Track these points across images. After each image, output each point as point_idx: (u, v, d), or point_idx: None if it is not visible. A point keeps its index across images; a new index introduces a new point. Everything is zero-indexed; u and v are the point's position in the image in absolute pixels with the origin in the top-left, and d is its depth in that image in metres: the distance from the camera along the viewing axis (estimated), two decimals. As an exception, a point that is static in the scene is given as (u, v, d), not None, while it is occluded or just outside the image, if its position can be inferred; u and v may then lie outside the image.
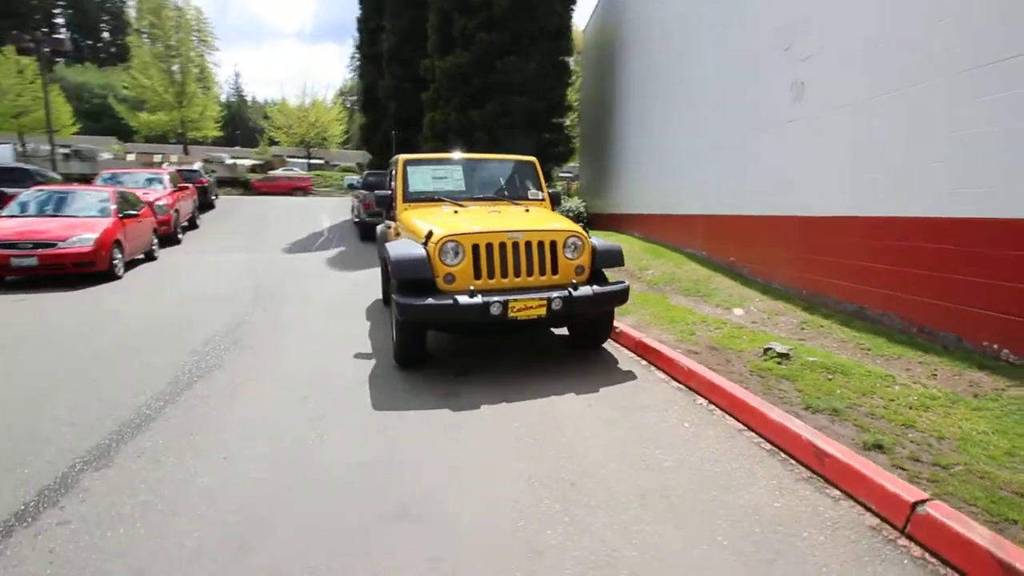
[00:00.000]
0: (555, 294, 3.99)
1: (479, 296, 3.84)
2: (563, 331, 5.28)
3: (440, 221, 4.40)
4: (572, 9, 13.03)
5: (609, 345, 4.97)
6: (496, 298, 3.85)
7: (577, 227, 4.43)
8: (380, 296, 7.05)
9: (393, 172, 5.73)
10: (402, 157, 5.41)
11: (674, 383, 4.02)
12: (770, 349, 4.33)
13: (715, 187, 7.96)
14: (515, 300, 3.89)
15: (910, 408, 3.29)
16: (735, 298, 6.22)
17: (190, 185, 15.10)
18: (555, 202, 5.65)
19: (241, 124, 61.08)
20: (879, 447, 2.85)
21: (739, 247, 7.26)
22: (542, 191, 5.62)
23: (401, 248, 4.14)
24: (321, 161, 44.34)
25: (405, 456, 2.91)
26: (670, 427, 3.27)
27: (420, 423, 3.33)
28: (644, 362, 4.50)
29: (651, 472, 2.73)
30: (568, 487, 2.58)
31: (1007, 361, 3.71)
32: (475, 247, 4.05)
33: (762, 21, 6.71)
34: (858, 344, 4.47)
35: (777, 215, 6.37)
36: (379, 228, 6.73)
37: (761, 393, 3.54)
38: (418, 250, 4.05)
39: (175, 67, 30.17)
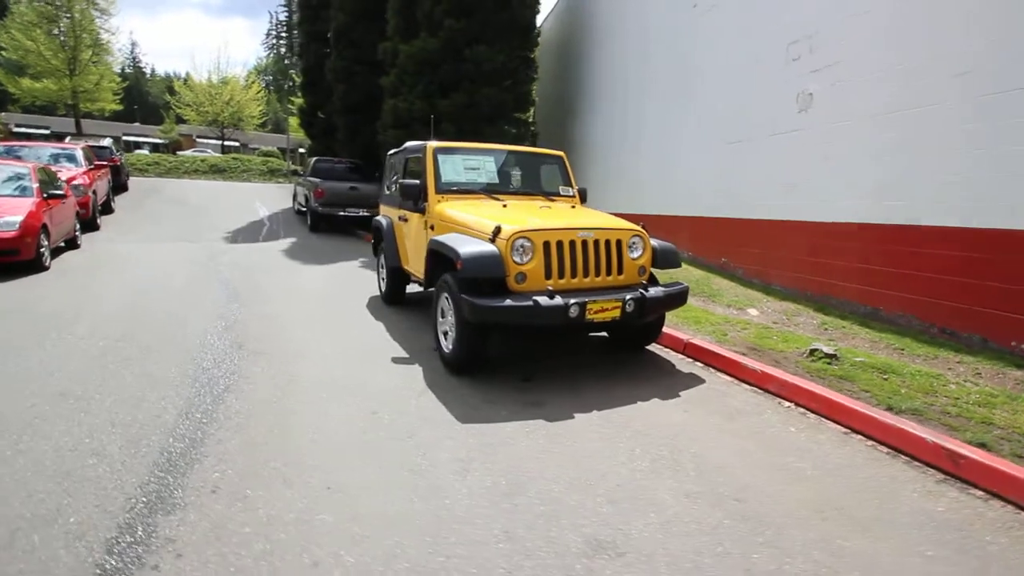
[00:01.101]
0: (628, 295, 3.83)
1: (558, 297, 3.60)
2: (600, 332, 5.13)
3: (498, 216, 4.09)
4: (539, 4, 12.89)
5: (651, 347, 4.89)
6: (574, 299, 3.63)
7: (636, 226, 4.29)
8: (377, 293, 6.52)
9: (415, 160, 5.29)
10: (431, 145, 4.99)
11: (744, 385, 4.00)
12: (816, 350, 4.44)
13: (704, 190, 8.16)
14: (593, 302, 3.69)
15: (979, 406, 3.48)
16: (743, 299, 6.40)
17: (105, 164, 13.27)
18: (583, 199, 5.49)
19: (140, 99, 55.04)
20: (983, 445, 2.98)
21: (732, 249, 7.50)
22: (572, 187, 5.44)
23: (467, 244, 3.78)
24: (236, 144, 40.99)
25: (537, 477, 2.62)
26: (779, 432, 3.22)
27: (523, 438, 3.03)
28: (700, 364, 4.46)
29: (802, 482, 2.65)
30: (736, 504, 2.43)
31: (1038, 360, 4.05)
32: (546, 244, 3.80)
33: (767, 33, 6.92)
34: (889, 344, 4.71)
35: (780, 219, 6.62)
36: (380, 220, 6.19)
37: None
38: (488, 247, 3.72)
39: (62, 29, 26.31)
